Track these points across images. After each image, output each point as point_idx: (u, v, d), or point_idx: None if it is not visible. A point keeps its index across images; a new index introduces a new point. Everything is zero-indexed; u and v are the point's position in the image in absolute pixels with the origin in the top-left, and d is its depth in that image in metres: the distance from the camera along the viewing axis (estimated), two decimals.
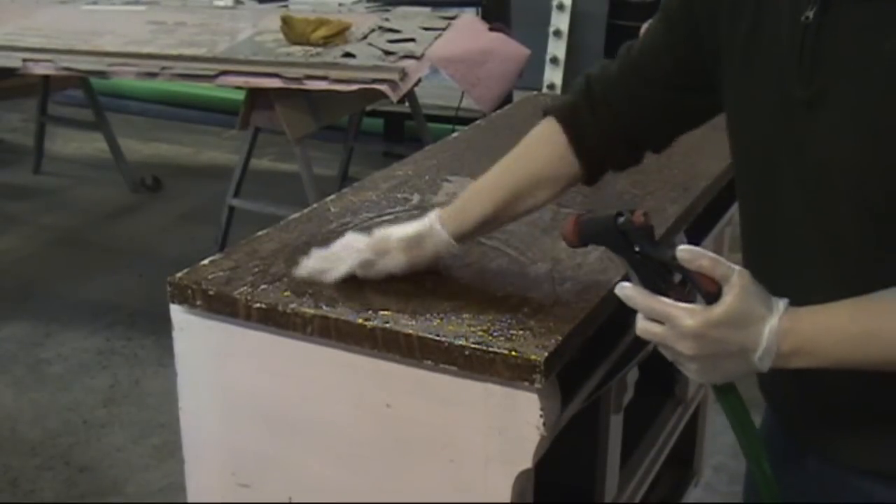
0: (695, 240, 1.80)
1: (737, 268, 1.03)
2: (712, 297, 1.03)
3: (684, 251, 1.04)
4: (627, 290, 1.07)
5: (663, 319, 1.05)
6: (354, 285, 1.34)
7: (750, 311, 1.02)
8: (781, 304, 1.04)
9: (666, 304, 1.04)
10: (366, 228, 1.54)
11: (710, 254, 1.04)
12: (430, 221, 1.34)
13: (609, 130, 1.29)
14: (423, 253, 1.34)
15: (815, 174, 1.07)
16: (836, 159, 1.05)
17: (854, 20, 1.03)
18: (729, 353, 1.04)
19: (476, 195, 1.34)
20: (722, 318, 1.02)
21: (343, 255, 1.36)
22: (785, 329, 1.02)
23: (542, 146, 1.33)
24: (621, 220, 1.09)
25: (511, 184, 1.32)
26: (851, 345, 1.03)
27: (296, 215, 1.62)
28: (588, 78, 1.32)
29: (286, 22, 3.54)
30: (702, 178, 1.80)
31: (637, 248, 1.08)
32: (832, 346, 1.03)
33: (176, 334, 1.40)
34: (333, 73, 3.21)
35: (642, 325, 1.07)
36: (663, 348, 1.08)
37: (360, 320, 1.25)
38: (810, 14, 1.05)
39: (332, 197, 1.71)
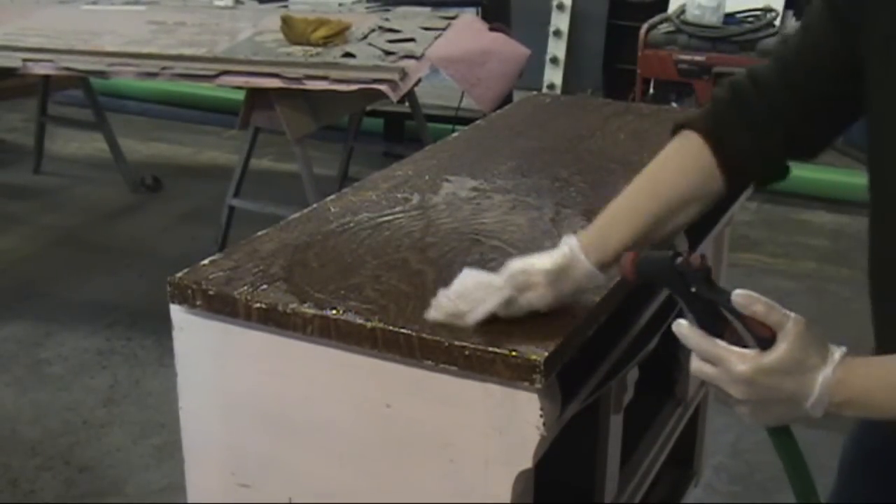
0: (695, 240, 1.80)
1: (792, 315, 1.04)
2: (766, 342, 1.04)
3: (739, 296, 1.05)
4: (683, 329, 1.08)
5: (716, 362, 1.05)
6: (354, 285, 1.34)
7: (803, 360, 1.02)
8: (838, 353, 1.04)
9: (719, 347, 1.05)
10: (373, 227, 1.55)
11: (765, 299, 1.04)
12: (572, 251, 1.24)
13: (763, 139, 1.23)
14: (567, 286, 1.24)
15: None
16: None
17: None
18: (780, 400, 1.04)
19: (617, 222, 1.27)
20: (774, 366, 1.02)
21: (480, 294, 1.23)
22: (838, 379, 1.02)
23: (687, 164, 1.27)
24: (678, 261, 1.11)
25: (655, 208, 1.26)
26: None
27: (296, 215, 1.62)
28: (734, 86, 1.26)
29: (286, 22, 3.54)
30: None
31: (693, 289, 1.10)
32: (885, 399, 1.03)
33: (176, 334, 1.40)
34: (333, 73, 3.21)
35: (696, 366, 1.08)
36: (715, 388, 1.08)
37: (360, 320, 1.25)
38: None
39: (332, 197, 1.71)
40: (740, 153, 1.24)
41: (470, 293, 1.24)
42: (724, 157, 1.24)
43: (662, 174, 1.29)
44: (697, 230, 1.78)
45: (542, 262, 1.24)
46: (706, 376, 1.07)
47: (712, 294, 1.10)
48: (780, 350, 1.02)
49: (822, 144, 1.27)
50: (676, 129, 1.30)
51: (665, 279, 1.14)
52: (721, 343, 1.06)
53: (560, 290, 1.24)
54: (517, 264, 1.25)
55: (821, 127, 1.24)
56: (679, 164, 1.28)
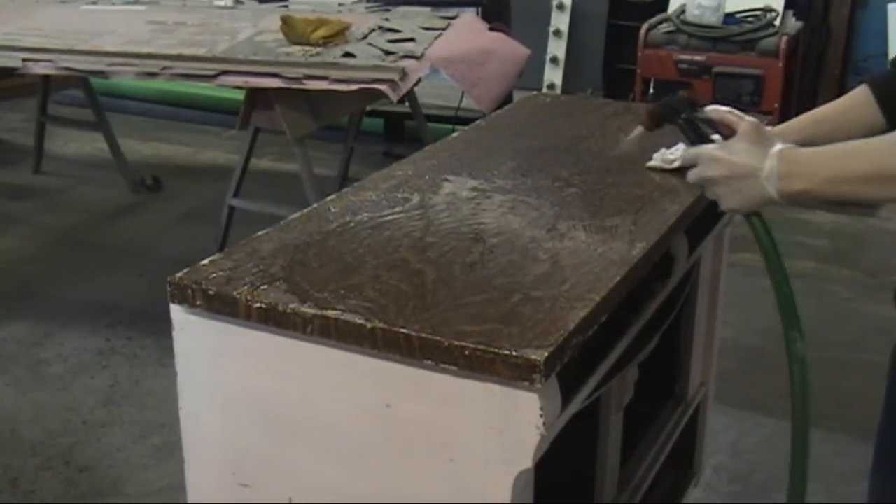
0: (695, 240, 1.80)
1: (747, 117, 1.42)
2: (730, 137, 1.42)
3: (711, 108, 1.48)
4: (659, 153, 1.59)
5: (696, 159, 1.44)
6: (354, 285, 1.34)
7: (755, 143, 1.38)
8: (783, 144, 1.37)
9: (700, 147, 1.45)
10: (373, 227, 1.55)
11: (735, 111, 1.44)
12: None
13: None
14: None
15: None
16: None
17: None
18: (742, 174, 1.38)
19: (803, 123, 1.67)
20: (733, 146, 1.39)
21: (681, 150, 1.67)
22: (783, 154, 1.35)
23: (857, 103, 1.64)
24: (674, 99, 1.57)
25: (830, 124, 1.64)
26: (840, 160, 1.32)
27: (296, 215, 1.62)
28: None
29: (286, 22, 3.54)
30: None
31: (683, 115, 1.51)
32: (822, 163, 1.33)
33: (176, 334, 1.40)
34: (333, 73, 3.21)
35: (690, 173, 1.46)
36: (701, 184, 1.45)
37: (360, 320, 1.25)
38: None
39: (332, 197, 1.71)
40: (889, 99, 1.60)
41: (690, 153, 1.56)
42: (881, 101, 1.61)
43: (840, 107, 1.68)
44: (697, 230, 1.78)
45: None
46: (695, 175, 1.45)
47: (694, 114, 1.51)
48: (737, 137, 1.40)
49: None
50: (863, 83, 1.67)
51: (666, 113, 1.56)
52: (701, 145, 1.46)
53: None
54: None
55: None
56: (850, 102, 1.66)
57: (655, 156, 1.77)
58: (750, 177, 1.37)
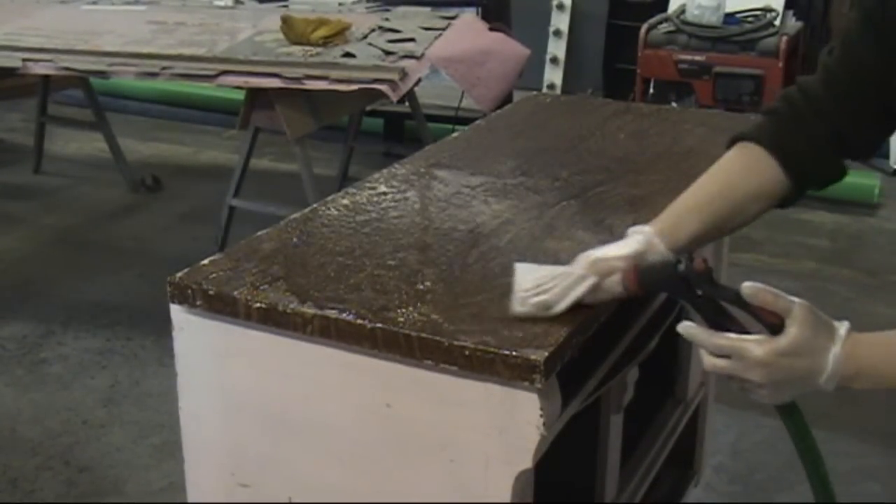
0: None
1: (797, 300, 1.14)
2: (776, 328, 1.13)
3: (749, 287, 1.15)
4: (692, 330, 1.17)
5: (731, 354, 1.15)
6: (354, 285, 1.34)
7: (813, 339, 1.13)
8: (842, 330, 1.15)
9: (732, 338, 1.15)
10: (373, 227, 1.55)
11: (771, 289, 1.14)
12: (647, 238, 1.31)
13: (816, 144, 1.33)
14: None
15: None
16: None
17: None
18: (796, 379, 1.14)
19: (688, 212, 1.34)
20: (787, 348, 1.12)
21: (564, 284, 1.26)
22: (847, 354, 1.13)
23: (751, 166, 1.35)
24: (681, 267, 1.17)
25: (723, 203, 1.34)
26: None
27: (296, 215, 1.62)
28: (787, 98, 1.36)
29: (286, 22, 3.54)
30: None
31: (700, 292, 1.17)
32: (889, 369, 1.14)
33: (176, 334, 1.40)
34: (333, 73, 3.21)
35: (709, 361, 1.17)
36: (731, 379, 1.17)
37: (359, 320, 1.25)
38: None
39: (332, 197, 1.71)
40: (799, 158, 1.33)
41: (550, 285, 1.26)
42: (786, 162, 1.33)
43: (728, 175, 1.36)
44: None
45: (618, 250, 1.30)
46: (722, 369, 1.16)
47: (720, 293, 1.17)
48: (791, 332, 1.12)
49: (872, 145, 1.36)
50: (732, 143, 1.38)
51: (670, 287, 1.21)
52: (733, 335, 1.15)
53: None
54: (594, 253, 1.30)
55: (868, 131, 1.33)
56: (744, 166, 1.36)
57: (517, 295, 1.26)
58: (804, 381, 1.14)
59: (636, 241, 1.31)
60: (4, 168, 5.40)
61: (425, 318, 1.25)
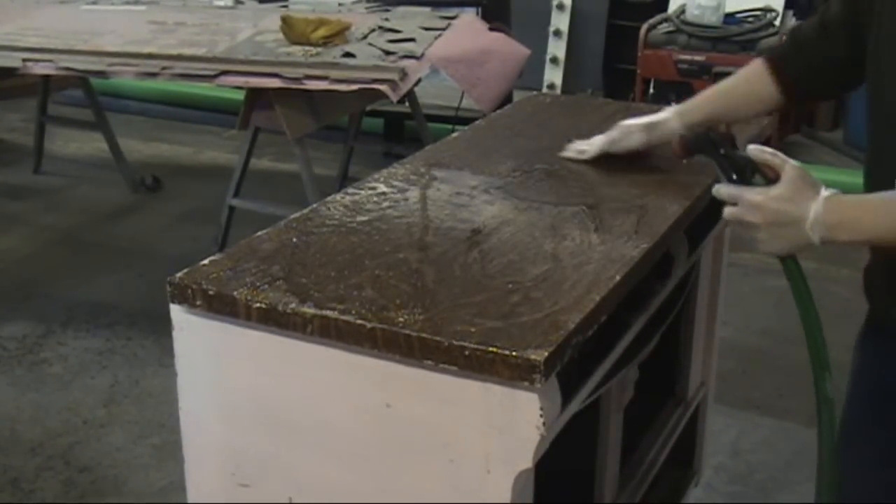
0: (695, 240, 1.80)
1: (790, 161, 1.39)
2: (773, 181, 1.39)
3: (753, 148, 1.42)
4: (717, 187, 1.44)
5: (737, 200, 1.40)
6: (354, 284, 1.34)
7: (801, 190, 1.35)
8: (828, 191, 1.35)
9: (740, 188, 1.41)
10: (372, 227, 1.55)
11: (772, 150, 1.41)
12: (666, 114, 1.75)
13: (804, 68, 1.66)
14: (657, 135, 1.76)
15: None
16: None
17: None
18: (786, 222, 1.35)
19: (700, 103, 1.75)
20: (777, 194, 1.36)
21: (594, 140, 1.80)
22: (829, 205, 1.33)
23: (752, 77, 1.73)
24: (712, 132, 1.54)
25: (727, 100, 1.75)
26: (883, 221, 1.31)
27: (296, 215, 1.62)
28: (796, 28, 1.76)
29: (286, 22, 3.54)
30: (702, 177, 1.80)
31: (722, 151, 1.47)
32: (869, 220, 1.33)
33: (176, 334, 1.40)
34: (333, 73, 3.21)
35: (726, 211, 1.42)
36: (739, 226, 1.41)
37: (359, 320, 1.25)
38: None
39: (332, 197, 1.71)
40: (791, 76, 1.68)
41: (587, 141, 1.81)
42: (779, 76, 1.68)
43: (734, 81, 1.76)
44: (698, 230, 1.78)
45: (642, 119, 1.79)
46: (732, 216, 1.41)
47: (735, 152, 1.47)
48: (782, 183, 1.36)
49: (850, 84, 1.65)
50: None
51: (702, 146, 1.52)
52: (741, 186, 1.41)
53: (652, 136, 1.77)
54: (624, 122, 1.81)
55: (840, 72, 1.62)
56: (746, 76, 1.75)
57: (569, 146, 1.85)
58: (794, 225, 1.35)
59: (656, 115, 1.77)
60: (4, 168, 5.40)
61: (425, 318, 1.25)
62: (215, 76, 3.31)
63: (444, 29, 3.74)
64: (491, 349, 1.17)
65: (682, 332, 2.18)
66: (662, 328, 1.73)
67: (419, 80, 3.40)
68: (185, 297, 1.36)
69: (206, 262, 1.43)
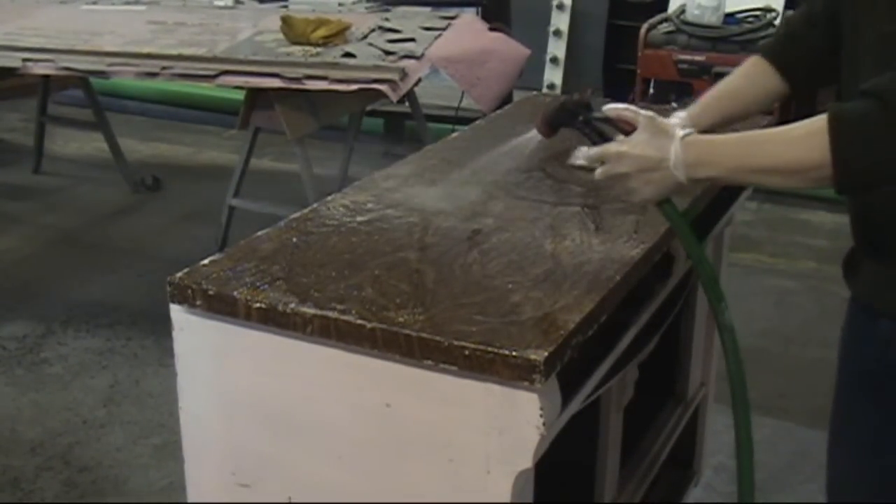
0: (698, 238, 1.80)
1: (643, 111, 1.43)
2: (631, 133, 1.41)
3: (606, 107, 1.46)
4: (580, 151, 1.49)
5: (602, 158, 1.41)
6: (354, 284, 1.34)
7: (657, 135, 1.39)
8: (684, 131, 1.39)
9: (602, 146, 1.42)
10: (373, 227, 1.55)
11: (623, 104, 1.45)
12: (676, 120, 1.63)
13: (801, 58, 1.68)
14: None
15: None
16: None
17: None
18: (651, 166, 1.38)
19: (707, 107, 1.73)
20: (637, 140, 1.39)
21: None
22: (687, 142, 1.37)
23: (752, 72, 1.73)
24: (566, 103, 1.50)
25: (733, 99, 1.74)
26: (739, 155, 1.36)
27: (296, 215, 1.62)
28: (787, 19, 1.77)
29: (286, 22, 3.54)
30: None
31: (581, 117, 1.46)
32: (727, 152, 1.36)
33: (176, 334, 1.40)
34: (333, 73, 3.21)
35: (597, 172, 1.42)
36: (611, 181, 1.41)
37: (360, 320, 1.25)
38: None
39: (332, 197, 1.71)
40: (789, 63, 1.70)
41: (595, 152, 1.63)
42: (779, 65, 1.70)
43: (736, 80, 1.75)
44: (698, 230, 1.78)
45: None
46: (602, 173, 1.41)
47: (593, 115, 1.47)
48: (638, 130, 1.40)
49: (827, 76, 1.65)
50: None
51: (562, 119, 1.50)
52: (602, 144, 1.43)
53: None
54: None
55: (829, 58, 1.62)
56: (747, 73, 1.75)
57: (577, 154, 1.79)
58: (658, 167, 1.38)
59: (665, 120, 1.65)
60: (4, 168, 5.40)
61: (425, 317, 1.25)
62: (215, 76, 3.31)
63: (444, 29, 3.74)
64: (491, 349, 1.17)
65: (682, 332, 2.19)
66: (662, 328, 1.73)
67: (419, 80, 3.40)
68: (185, 297, 1.36)
69: (206, 262, 1.43)
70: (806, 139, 1.31)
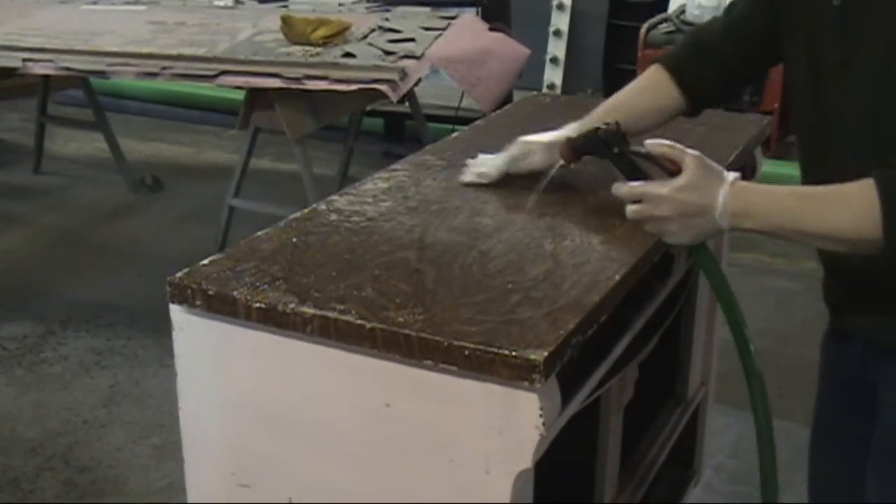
0: None
1: (690, 150, 1.37)
2: (675, 173, 1.35)
3: (648, 142, 1.40)
4: (617, 186, 1.41)
5: (642, 197, 1.37)
6: (354, 284, 1.34)
7: (705, 178, 1.34)
8: (732, 176, 1.35)
9: (642, 184, 1.38)
10: (372, 226, 1.55)
11: (669, 141, 1.38)
12: (567, 131, 1.62)
13: (709, 74, 1.63)
14: (557, 155, 1.60)
15: (834, 122, 1.39)
16: (853, 108, 1.36)
17: (875, 4, 1.31)
18: (695, 212, 1.34)
19: (603, 113, 1.63)
20: (684, 184, 1.34)
21: (494, 160, 1.70)
22: (735, 192, 1.33)
23: (650, 85, 1.68)
24: (600, 130, 1.44)
25: (629, 110, 1.63)
26: (788, 213, 1.31)
27: (296, 215, 1.62)
28: (695, 33, 1.70)
29: (286, 22, 3.54)
30: None
31: (616, 150, 1.41)
32: (772, 212, 1.32)
33: (176, 334, 1.40)
34: (333, 73, 3.21)
35: (630, 209, 1.39)
36: (648, 222, 1.38)
37: (360, 320, 1.25)
38: (837, 1, 1.35)
39: (333, 197, 1.71)
40: (691, 83, 1.64)
41: (487, 160, 1.71)
42: (681, 85, 1.65)
43: (633, 90, 1.69)
44: None
45: (542, 136, 1.67)
46: (638, 213, 1.38)
47: (629, 149, 1.41)
48: (685, 173, 1.34)
49: (745, 86, 1.76)
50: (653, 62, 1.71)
51: (592, 146, 1.45)
52: (642, 182, 1.39)
53: (553, 155, 1.60)
54: (525, 137, 1.69)
55: (745, 74, 1.68)
56: (646, 84, 1.69)
57: (468, 169, 1.72)
58: (702, 214, 1.34)
59: (557, 133, 1.64)
60: (4, 168, 5.40)
61: (425, 317, 1.25)
62: (215, 76, 3.31)
63: (444, 29, 3.74)
64: (491, 349, 1.17)
65: (682, 332, 2.18)
66: (662, 328, 1.73)
67: (419, 80, 3.40)
68: (185, 297, 1.36)
69: (206, 262, 1.43)
70: (864, 211, 1.25)
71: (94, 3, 4.36)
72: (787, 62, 1.50)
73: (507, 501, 1.23)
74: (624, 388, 1.67)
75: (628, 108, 1.64)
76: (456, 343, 1.19)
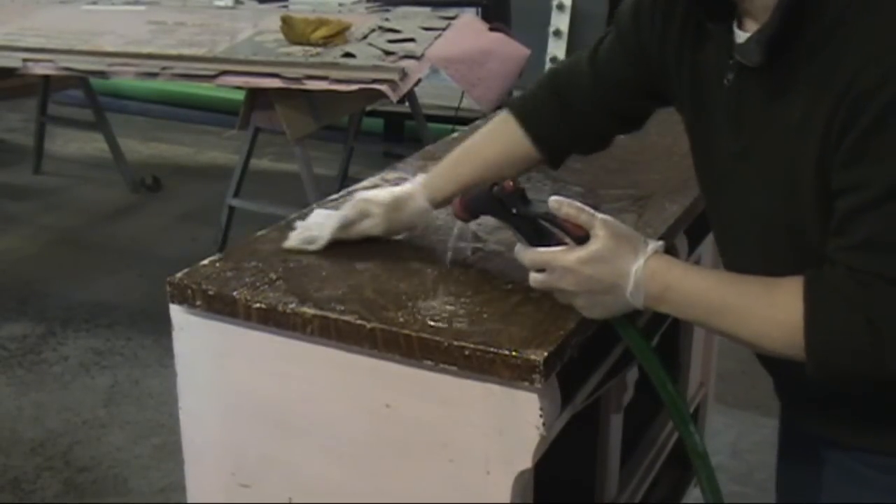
0: (695, 239, 1.80)
1: (600, 215, 1.18)
2: (582, 240, 1.18)
3: (554, 202, 1.19)
4: (519, 250, 1.23)
5: (545, 266, 1.20)
6: (354, 285, 1.34)
7: (616, 250, 1.16)
8: (651, 247, 1.18)
9: (545, 251, 1.20)
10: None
11: (576, 203, 1.19)
12: (413, 188, 1.47)
13: (569, 123, 1.42)
14: (400, 217, 1.47)
15: (733, 218, 1.23)
16: (749, 209, 1.19)
17: (763, 87, 1.12)
18: (604, 289, 1.18)
19: (447, 172, 1.48)
20: (589, 256, 1.16)
21: (326, 222, 1.46)
22: (652, 270, 1.16)
23: (498, 135, 1.47)
24: (496, 189, 1.25)
25: (475, 169, 1.45)
26: (708, 307, 1.16)
27: (296, 215, 1.62)
28: (555, 74, 1.46)
29: (286, 22, 3.54)
30: None
31: (514, 210, 1.23)
32: (691, 304, 1.17)
33: (176, 334, 1.40)
34: (333, 73, 3.21)
35: (532, 277, 1.22)
36: (553, 293, 1.22)
37: (360, 320, 1.25)
38: (730, 77, 1.16)
39: (333, 197, 1.71)
40: (546, 134, 1.43)
41: (318, 222, 1.47)
42: (533, 135, 1.43)
43: (483, 142, 1.49)
44: (697, 230, 1.78)
45: (383, 194, 1.48)
46: (541, 283, 1.21)
47: (530, 210, 1.23)
48: (593, 242, 1.16)
49: (624, 132, 1.48)
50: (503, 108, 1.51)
51: (489, 208, 1.27)
52: (545, 249, 1.20)
53: (394, 220, 1.47)
54: (362, 193, 1.49)
55: (612, 126, 1.45)
56: (498, 136, 1.48)
57: (294, 233, 1.47)
58: (612, 292, 1.17)
59: (402, 189, 1.47)
60: (4, 168, 5.40)
61: (425, 318, 1.25)
62: (215, 76, 3.31)
63: (444, 29, 3.74)
64: (491, 349, 1.17)
65: (682, 333, 2.18)
66: (662, 328, 1.73)
67: (419, 80, 3.40)
68: (184, 297, 1.36)
69: (206, 262, 1.43)
70: (790, 328, 1.09)
71: (94, 3, 4.37)
72: (685, 126, 1.31)
73: (508, 501, 1.23)
74: (624, 388, 1.67)
75: (481, 160, 1.47)
76: (456, 343, 1.19)
